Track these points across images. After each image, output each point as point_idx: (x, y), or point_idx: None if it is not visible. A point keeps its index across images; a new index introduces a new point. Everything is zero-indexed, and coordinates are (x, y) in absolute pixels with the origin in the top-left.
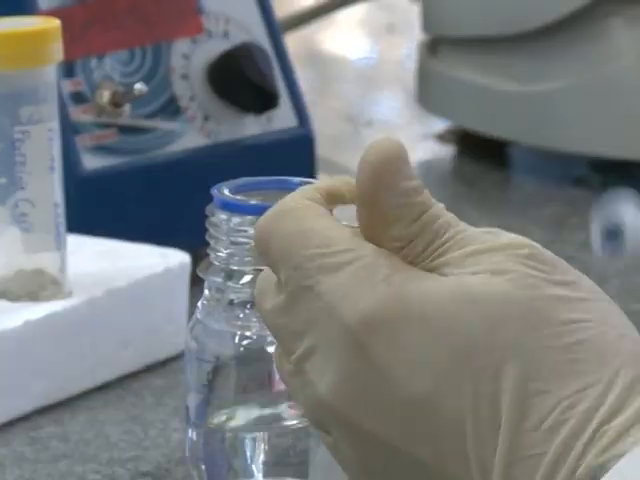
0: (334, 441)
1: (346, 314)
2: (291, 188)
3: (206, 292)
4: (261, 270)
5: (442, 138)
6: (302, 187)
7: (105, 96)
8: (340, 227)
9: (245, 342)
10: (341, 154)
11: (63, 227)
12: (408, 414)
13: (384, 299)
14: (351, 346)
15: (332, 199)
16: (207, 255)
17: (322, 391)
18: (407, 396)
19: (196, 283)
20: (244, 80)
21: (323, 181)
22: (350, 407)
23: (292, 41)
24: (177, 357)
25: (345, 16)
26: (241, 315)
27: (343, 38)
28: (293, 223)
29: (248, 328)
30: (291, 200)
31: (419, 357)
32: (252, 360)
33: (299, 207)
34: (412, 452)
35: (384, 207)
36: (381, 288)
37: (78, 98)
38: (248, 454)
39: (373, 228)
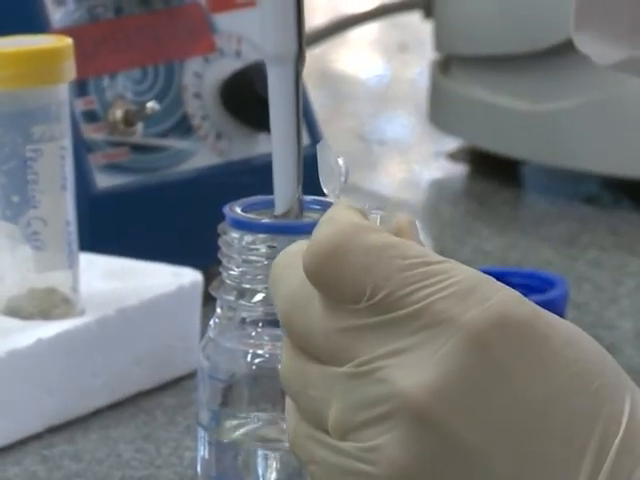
0: None
1: (464, 318)
2: (303, 206)
3: (218, 310)
4: None
5: (454, 156)
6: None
7: (117, 114)
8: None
9: (257, 360)
10: (353, 173)
11: (75, 245)
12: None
13: (516, 304)
14: (465, 355)
15: None
16: (219, 273)
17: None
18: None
19: (208, 302)
20: (256, 98)
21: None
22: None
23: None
24: (189, 375)
25: (358, 35)
26: (253, 333)
27: (356, 57)
28: (375, 238)
29: (260, 346)
30: (356, 219)
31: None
32: (264, 378)
33: (369, 224)
34: None
35: None
36: (507, 294)
37: (90, 116)
38: (260, 472)
39: None
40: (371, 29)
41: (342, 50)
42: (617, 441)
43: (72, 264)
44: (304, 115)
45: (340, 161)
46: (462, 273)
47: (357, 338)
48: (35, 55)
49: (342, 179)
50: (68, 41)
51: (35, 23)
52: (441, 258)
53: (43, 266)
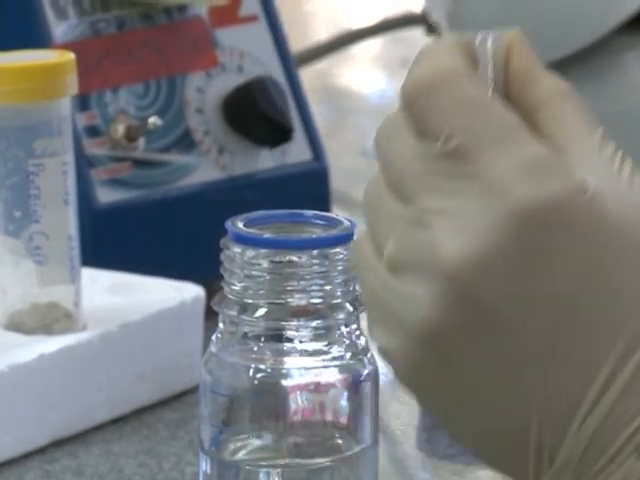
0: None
1: (515, 193)
2: (305, 221)
3: (220, 325)
4: (275, 304)
5: None
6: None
7: (120, 129)
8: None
9: (259, 375)
10: (355, 188)
11: (77, 260)
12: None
13: (568, 193)
14: (512, 233)
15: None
16: (221, 288)
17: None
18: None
19: (211, 316)
20: (259, 114)
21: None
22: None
23: (307, 75)
24: (192, 390)
25: (360, 50)
26: (255, 348)
27: (358, 72)
28: (473, 88)
29: (262, 361)
30: (459, 60)
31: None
32: (266, 393)
33: (470, 71)
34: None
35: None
36: (565, 180)
37: (93, 131)
38: None
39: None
40: (374, 44)
41: (345, 66)
42: None
43: (74, 279)
44: (305, 129)
45: None
46: (537, 147)
47: (425, 184)
48: (37, 70)
49: (447, 5)
50: (70, 56)
51: (37, 38)
52: (524, 127)
53: (45, 281)
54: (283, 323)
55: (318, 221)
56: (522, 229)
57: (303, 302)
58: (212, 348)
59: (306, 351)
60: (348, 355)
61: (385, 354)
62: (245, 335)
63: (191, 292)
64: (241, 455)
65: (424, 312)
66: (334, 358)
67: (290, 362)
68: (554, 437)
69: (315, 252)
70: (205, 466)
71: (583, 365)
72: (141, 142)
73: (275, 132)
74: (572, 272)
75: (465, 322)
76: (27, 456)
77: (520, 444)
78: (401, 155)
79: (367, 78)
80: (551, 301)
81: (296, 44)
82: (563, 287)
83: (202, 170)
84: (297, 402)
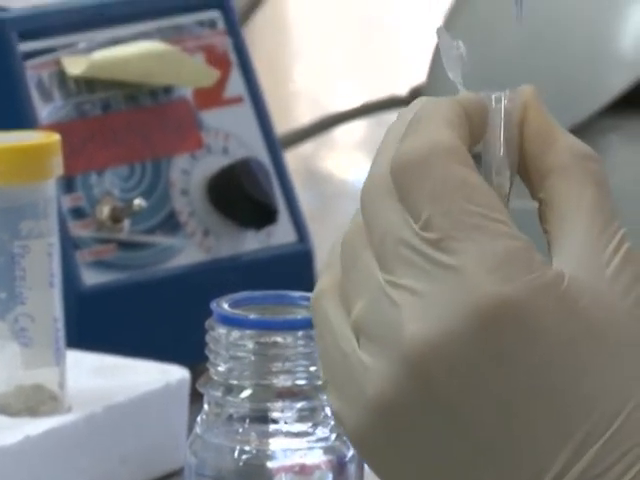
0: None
1: (483, 289)
2: (290, 303)
3: (205, 407)
4: (260, 385)
5: None
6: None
7: (105, 211)
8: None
9: (244, 457)
10: None
11: (63, 342)
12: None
13: (534, 291)
14: (474, 327)
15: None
16: (207, 370)
17: (414, 336)
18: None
19: (196, 398)
20: (244, 195)
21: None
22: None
23: (292, 160)
24: (177, 472)
25: (344, 133)
26: (240, 430)
27: (342, 157)
28: (455, 169)
29: (247, 443)
30: (446, 138)
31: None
32: (252, 475)
33: (457, 149)
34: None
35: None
36: (533, 278)
37: (78, 213)
38: None
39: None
40: (357, 128)
41: (329, 149)
42: (604, 438)
43: (59, 361)
44: (290, 211)
45: (460, 44)
46: (509, 241)
47: (404, 256)
48: (23, 151)
49: (462, 64)
50: (56, 137)
51: (23, 119)
52: (502, 218)
53: (30, 363)
54: (268, 404)
55: (303, 302)
56: (485, 324)
57: (288, 383)
58: (197, 430)
59: (291, 432)
60: (333, 436)
61: (337, 417)
62: (230, 416)
63: (176, 374)
64: None
65: (380, 386)
66: (319, 439)
67: (275, 443)
68: None
69: (300, 333)
70: None
71: (536, 458)
72: (126, 224)
73: (260, 214)
74: (534, 367)
75: (418, 406)
76: None
77: None
78: (386, 217)
79: (351, 162)
80: (509, 396)
81: (280, 125)
82: (523, 383)
83: (187, 252)
84: None
